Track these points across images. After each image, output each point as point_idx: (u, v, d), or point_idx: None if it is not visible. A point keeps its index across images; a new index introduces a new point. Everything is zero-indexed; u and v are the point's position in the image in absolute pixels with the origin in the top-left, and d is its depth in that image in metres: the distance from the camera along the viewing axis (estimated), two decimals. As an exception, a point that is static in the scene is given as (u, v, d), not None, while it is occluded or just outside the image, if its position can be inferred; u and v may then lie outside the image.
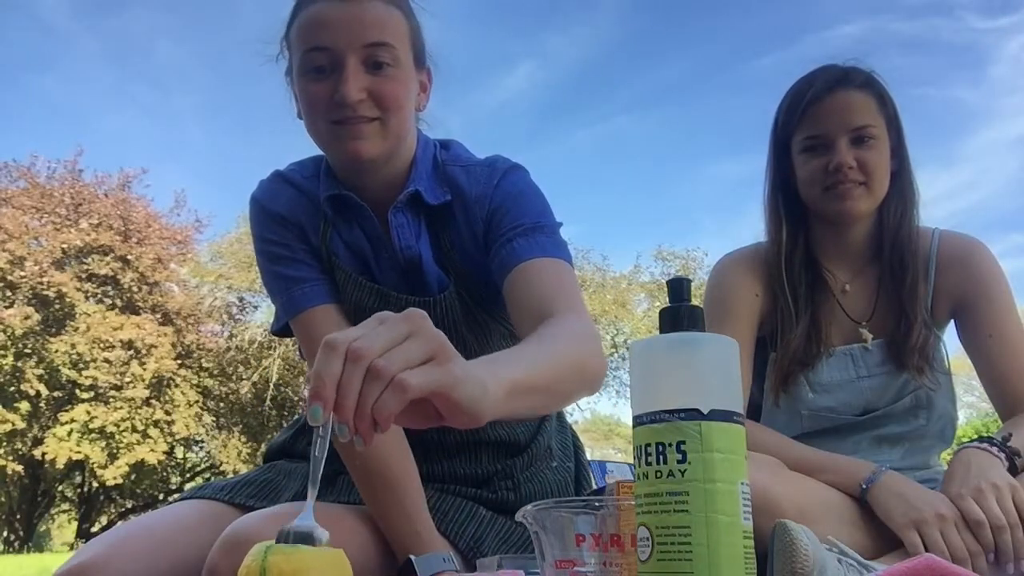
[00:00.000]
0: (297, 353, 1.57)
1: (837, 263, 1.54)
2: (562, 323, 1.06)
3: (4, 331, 16.34)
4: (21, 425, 16.84)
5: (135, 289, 17.95)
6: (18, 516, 19.65)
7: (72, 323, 17.12)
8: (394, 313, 0.72)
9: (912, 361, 1.46)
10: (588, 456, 1.56)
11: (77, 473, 19.57)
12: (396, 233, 1.26)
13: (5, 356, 16.60)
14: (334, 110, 1.17)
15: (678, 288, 0.71)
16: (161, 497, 20.19)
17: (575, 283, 1.22)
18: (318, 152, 1.30)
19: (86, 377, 16.79)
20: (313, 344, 1.22)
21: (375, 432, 0.68)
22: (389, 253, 1.28)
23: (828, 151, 1.45)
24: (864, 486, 1.27)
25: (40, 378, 16.78)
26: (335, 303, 1.29)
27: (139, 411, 17.25)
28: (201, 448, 20.89)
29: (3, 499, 19.36)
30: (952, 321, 1.54)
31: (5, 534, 19.79)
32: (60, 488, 20.81)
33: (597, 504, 0.77)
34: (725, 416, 0.66)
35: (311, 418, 0.66)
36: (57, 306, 17.25)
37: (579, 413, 22.20)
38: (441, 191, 1.28)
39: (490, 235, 1.24)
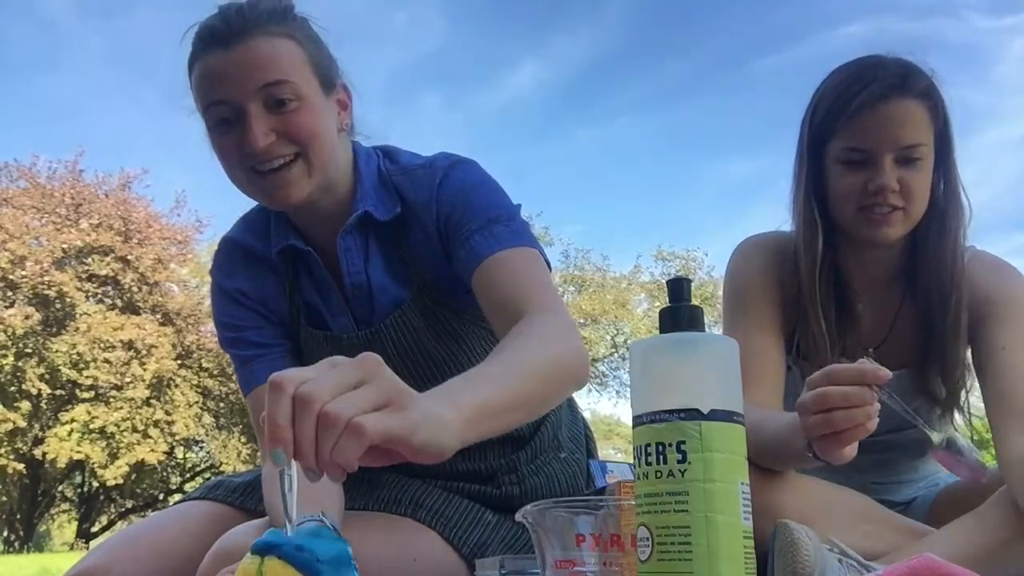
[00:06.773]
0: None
1: (856, 281, 1.42)
2: (533, 325, 1.03)
3: (5, 331, 16.33)
4: (22, 424, 16.85)
5: (135, 289, 17.93)
6: (18, 516, 19.64)
7: (72, 323, 17.12)
8: (347, 358, 0.69)
9: (948, 405, 1.38)
10: (588, 456, 1.54)
11: (77, 473, 19.60)
12: (344, 258, 1.23)
13: (6, 356, 16.61)
14: (248, 159, 1.15)
15: (678, 288, 0.72)
16: (161, 497, 20.19)
17: (542, 270, 1.16)
18: None
19: (86, 377, 16.79)
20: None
21: (344, 472, 0.66)
22: (336, 293, 1.26)
23: (870, 168, 1.29)
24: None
25: (41, 377, 16.78)
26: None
27: (139, 411, 17.24)
28: (201, 448, 20.88)
29: (3, 499, 19.37)
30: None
31: (5, 534, 19.78)
32: (60, 488, 20.81)
33: (597, 504, 0.77)
34: (725, 416, 0.66)
35: (275, 462, 0.65)
36: (58, 306, 17.25)
37: (579, 413, 22.19)
38: (391, 203, 1.24)
39: (448, 241, 1.21)
